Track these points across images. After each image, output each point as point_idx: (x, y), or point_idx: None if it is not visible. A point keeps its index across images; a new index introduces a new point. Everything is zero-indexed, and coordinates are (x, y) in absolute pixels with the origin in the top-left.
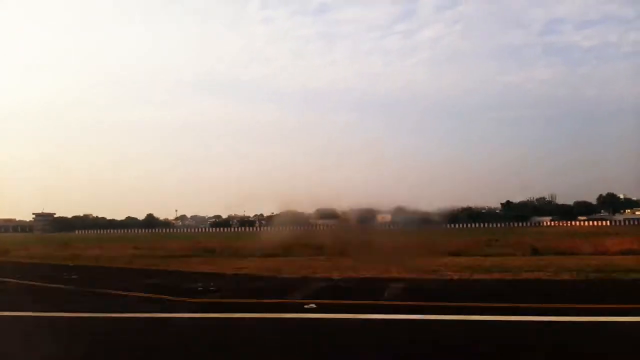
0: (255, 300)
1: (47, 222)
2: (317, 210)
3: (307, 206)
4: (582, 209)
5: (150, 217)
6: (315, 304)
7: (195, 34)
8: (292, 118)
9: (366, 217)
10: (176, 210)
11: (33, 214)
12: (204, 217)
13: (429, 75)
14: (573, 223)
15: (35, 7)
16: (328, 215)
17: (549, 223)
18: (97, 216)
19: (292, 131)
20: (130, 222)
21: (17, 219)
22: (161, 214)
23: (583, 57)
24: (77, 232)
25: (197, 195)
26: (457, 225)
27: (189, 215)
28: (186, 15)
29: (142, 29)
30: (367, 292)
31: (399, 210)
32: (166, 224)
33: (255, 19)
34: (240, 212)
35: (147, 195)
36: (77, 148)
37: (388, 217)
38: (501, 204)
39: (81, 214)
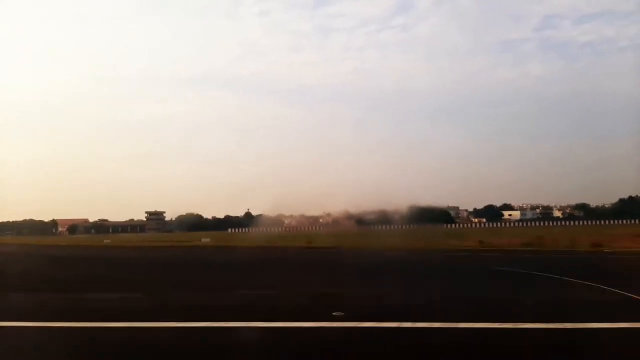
0: None
1: (160, 221)
2: (411, 207)
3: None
4: None
5: (248, 214)
6: None
7: (190, 28)
8: (287, 112)
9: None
10: (248, 209)
11: (146, 212)
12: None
13: (425, 70)
14: None
15: (34, 4)
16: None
17: None
18: (197, 214)
19: (289, 126)
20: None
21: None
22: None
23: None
24: (230, 230)
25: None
26: (579, 222)
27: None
28: (181, 10)
29: (137, 25)
30: None
31: (520, 207)
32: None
33: (251, 12)
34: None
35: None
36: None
37: (517, 214)
38: (621, 199)
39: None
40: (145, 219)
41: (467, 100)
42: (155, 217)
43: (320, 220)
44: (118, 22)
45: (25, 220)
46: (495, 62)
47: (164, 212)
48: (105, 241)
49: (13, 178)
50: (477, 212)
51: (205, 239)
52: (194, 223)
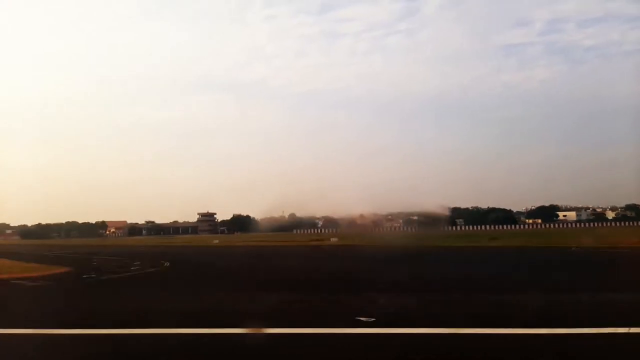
0: None
1: (212, 223)
2: (452, 209)
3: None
4: None
5: (293, 215)
6: None
7: (197, 33)
8: (292, 117)
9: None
10: (283, 211)
11: (198, 214)
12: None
13: (430, 74)
14: None
15: (33, 5)
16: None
17: None
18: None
19: (294, 131)
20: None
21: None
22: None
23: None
24: (295, 231)
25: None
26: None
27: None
28: (187, 15)
29: (143, 29)
30: None
31: (578, 209)
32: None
33: (258, 17)
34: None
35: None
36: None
37: (572, 214)
38: None
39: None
40: (196, 220)
41: (475, 103)
42: (208, 219)
43: (357, 222)
44: (120, 28)
45: (68, 222)
46: (500, 65)
47: (215, 214)
48: (214, 241)
49: (48, 181)
50: (529, 214)
51: (334, 238)
52: (245, 224)
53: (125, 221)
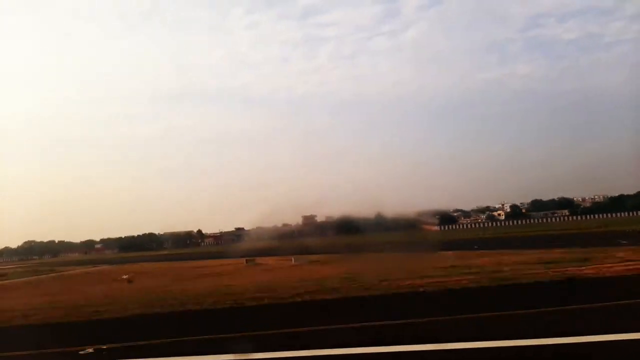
0: None
1: (314, 226)
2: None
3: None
4: None
5: (379, 215)
6: None
7: (178, 43)
8: (279, 124)
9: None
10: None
11: (302, 216)
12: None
13: (414, 74)
14: None
15: (17, 22)
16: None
17: None
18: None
19: (280, 137)
20: None
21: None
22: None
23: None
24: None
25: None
26: None
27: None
28: (168, 25)
29: (124, 41)
30: None
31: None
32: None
33: (240, 25)
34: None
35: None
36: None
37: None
38: None
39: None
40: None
41: (459, 101)
42: (311, 221)
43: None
44: (102, 41)
45: (145, 235)
46: (482, 63)
47: (316, 216)
48: None
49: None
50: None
51: None
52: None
53: (192, 231)
